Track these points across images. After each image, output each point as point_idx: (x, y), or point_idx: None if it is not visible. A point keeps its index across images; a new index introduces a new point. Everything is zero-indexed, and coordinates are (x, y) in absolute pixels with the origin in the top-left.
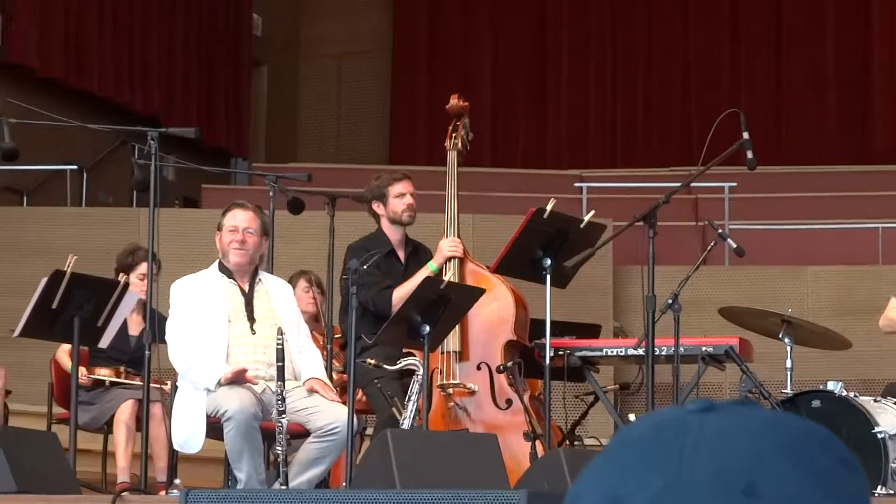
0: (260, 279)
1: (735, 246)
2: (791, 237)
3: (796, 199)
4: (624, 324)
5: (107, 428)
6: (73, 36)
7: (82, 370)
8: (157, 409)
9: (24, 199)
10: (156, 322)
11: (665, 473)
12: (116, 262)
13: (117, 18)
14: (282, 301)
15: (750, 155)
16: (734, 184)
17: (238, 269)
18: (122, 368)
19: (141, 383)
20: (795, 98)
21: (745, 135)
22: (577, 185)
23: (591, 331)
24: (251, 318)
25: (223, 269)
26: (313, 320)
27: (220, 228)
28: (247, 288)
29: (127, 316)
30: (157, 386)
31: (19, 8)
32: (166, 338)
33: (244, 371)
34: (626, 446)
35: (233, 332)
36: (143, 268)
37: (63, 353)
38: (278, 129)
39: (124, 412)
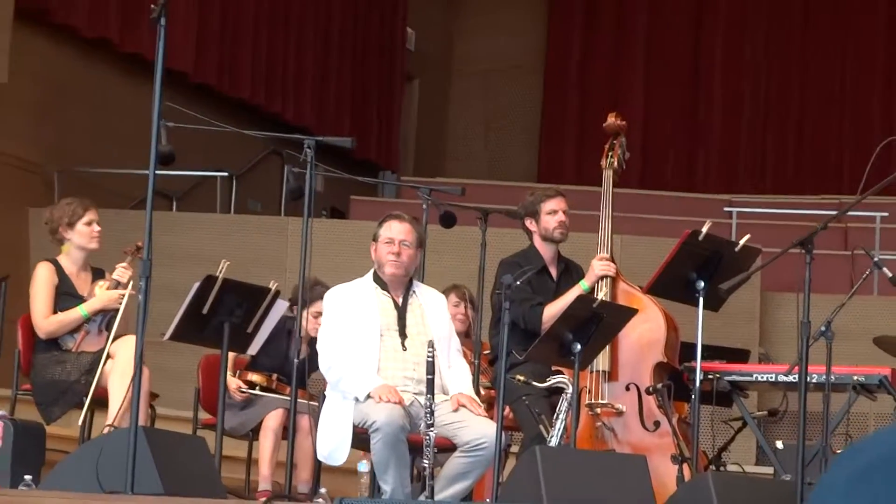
0: (414, 291)
1: (891, 275)
2: None
3: None
4: (769, 350)
5: (251, 435)
6: (228, 43)
7: (237, 382)
8: (304, 421)
9: (174, 203)
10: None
11: None
12: (293, 293)
13: (272, 28)
14: (435, 314)
15: None
16: (885, 213)
17: (393, 281)
18: (273, 376)
19: (289, 394)
20: None
21: None
22: (726, 209)
23: (740, 355)
24: (403, 335)
25: (378, 279)
26: (463, 335)
27: (375, 239)
28: (400, 301)
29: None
30: (305, 401)
31: (176, 12)
32: (318, 346)
33: (394, 390)
34: (876, 466)
35: (384, 347)
36: (318, 306)
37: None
38: (427, 144)
39: (273, 419)
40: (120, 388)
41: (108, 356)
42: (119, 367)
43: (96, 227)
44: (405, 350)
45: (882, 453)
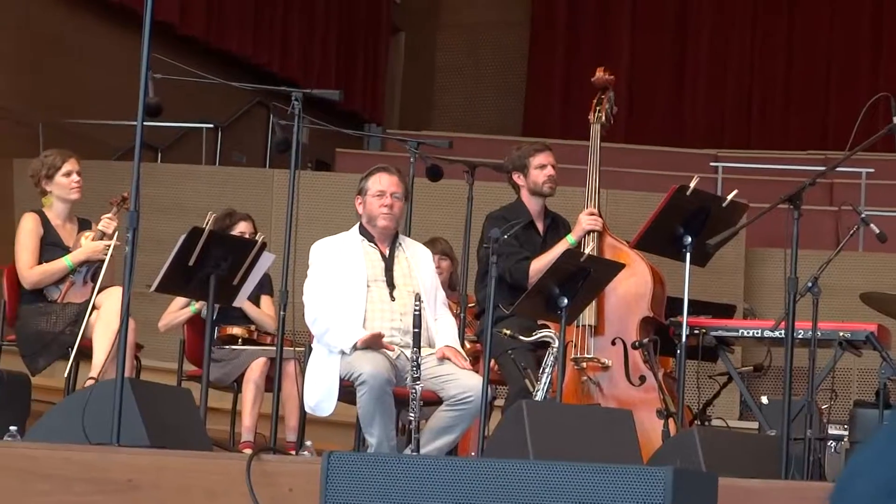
0: (400, 244)
1: (878, 231)
2: None
3: None
4: (753, 305)
5: (236, 386)
6: None
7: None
8: (290, 367)
9: (159, 155)
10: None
11: None
12: (214, 224)
13: None
14: (421, 267)
15: None
16: (871, 170)
17: (383, 234)
18: (253, 327)
19: (272, 343)
20: None
21: (895, 119)
22: (712, 164)
23: (726, 311)
24: (391, 285)
25: (364, 232)
26: (445, 287)
27: (362, 192)
28: (387, 252)
29: None
30: (291, 348)
31: None
32: (304, 299)
33: (380, 336)
34: None
35: (371, 297)
36: (240, 226)
37: (176, 303)
38: (413, 97)
39: (254, 371)
40: (104, 340)
41: (94, 307)
42: (104, 318)
43: (76, 178)
44: (393, 300)
45: None
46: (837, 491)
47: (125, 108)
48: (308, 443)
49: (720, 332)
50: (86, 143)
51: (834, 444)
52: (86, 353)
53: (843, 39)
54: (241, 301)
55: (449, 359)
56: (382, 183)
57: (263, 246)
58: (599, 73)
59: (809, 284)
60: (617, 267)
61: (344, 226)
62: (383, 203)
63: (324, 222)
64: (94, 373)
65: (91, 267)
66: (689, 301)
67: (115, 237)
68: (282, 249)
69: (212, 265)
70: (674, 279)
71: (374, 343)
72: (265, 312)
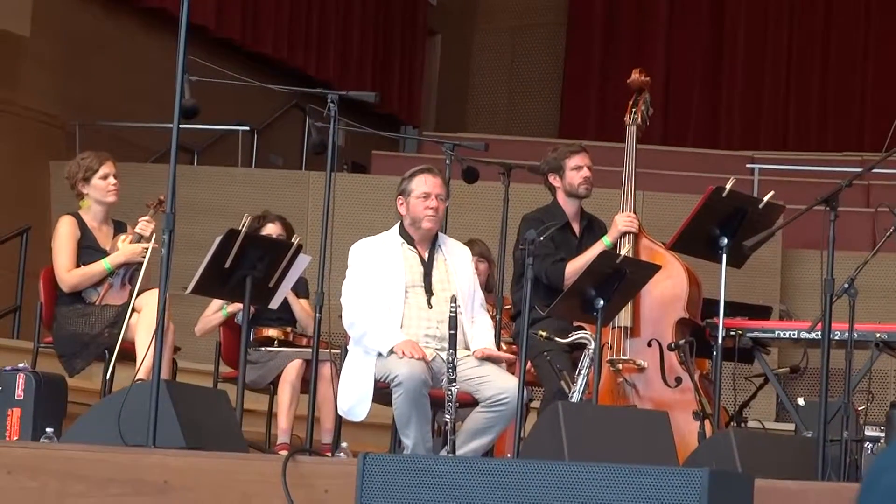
0: (439, 245)
1: None
2: None
3: None
4: (790, 307)
5: (272, 388)
6: None
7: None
8: (326, 369)
9: (195, 157)
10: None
11: None
12: (247, 226)
13: None
14: (459, 267)
15: None
16: None
17: (426, 236)
18: (289, 329)
19: (308, 345)
20: None
21: None
22: (748, 165)
23: (762, 312)
24: (429, 291)
25: (404, 234)
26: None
27: (404, 193)
28: (426, 256)
29: None
30: (326, 350)
31: None
32: (342, 301)
33: (416, 344)
34: None
35: (408, 303)
36: (267, 229)
37: (212, 307)
38: (449, 99)
39: (290, 373)
40: (147, 341)
41: (134, 310)
42: (146, 320)
43: (112, 181)
44: (431, 308)
45: None
46: (866, 485)
47: (161, 111)
48: (344, 444)
49: (756, 334)
50: (122, 146)
51: (871, 445)
52: (124, 355)
53: (879, 40)
54: (277, 303)
55: (490, 356)
56: (427, 184)
57: (299, 248)
58: (635, 75)
59: (846, 286)
60: (653, 268)
61: (379, 228)
62: (428, 205)
63: (360, 224)
64: (142, 374)
65: (129, 269)
66: (726, 302)
67: (152, 240)
68: (317, 251)
69: (248, 267)
70: (710, 280)
71: (410, 351)
72: (306, 309)
